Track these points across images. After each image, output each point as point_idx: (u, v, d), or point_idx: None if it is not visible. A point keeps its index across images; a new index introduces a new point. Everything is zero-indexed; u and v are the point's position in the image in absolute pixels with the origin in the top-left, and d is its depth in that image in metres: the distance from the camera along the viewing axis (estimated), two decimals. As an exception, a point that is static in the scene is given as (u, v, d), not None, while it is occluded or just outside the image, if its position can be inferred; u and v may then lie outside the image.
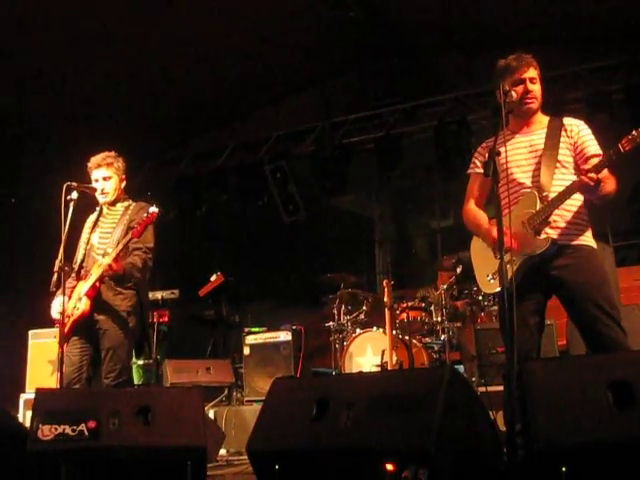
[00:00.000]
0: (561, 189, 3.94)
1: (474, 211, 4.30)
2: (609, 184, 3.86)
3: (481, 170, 3.80)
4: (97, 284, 4.92)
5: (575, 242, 3.97)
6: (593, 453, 2.90)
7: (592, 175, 3.71)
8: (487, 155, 3.73)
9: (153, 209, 4.93)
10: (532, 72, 4.09)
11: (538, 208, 3.93)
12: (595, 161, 3.90)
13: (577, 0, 7.93)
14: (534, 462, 3.00)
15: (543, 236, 3.92)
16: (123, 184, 5.33)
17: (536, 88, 4.09)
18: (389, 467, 3.09)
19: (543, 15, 8.19)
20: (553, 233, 3.94)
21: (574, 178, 4.00)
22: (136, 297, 5.10)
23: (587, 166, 3.77)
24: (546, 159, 4.03)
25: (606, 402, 2.95)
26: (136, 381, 7.45)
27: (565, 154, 4.05)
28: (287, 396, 3.64)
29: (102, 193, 5.21)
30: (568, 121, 4.13)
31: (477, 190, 4.29)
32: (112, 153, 5.32)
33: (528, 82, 4.06)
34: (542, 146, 4.07)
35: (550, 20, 8.24)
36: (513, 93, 3.98)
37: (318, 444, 3.32)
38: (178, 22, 8.05)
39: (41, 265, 5.53)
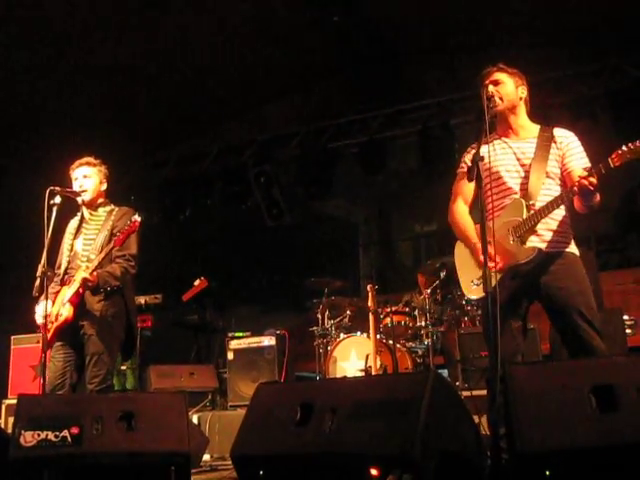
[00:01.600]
0: (548, 199, 3.97)
1: (462, 216, 4.27)
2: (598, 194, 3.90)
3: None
4: (80, 291, 4.90)
5: (558, 249, 4.00)
6: (577, 457, 2.91)
7: (593, 180, 3.69)
8: (471, 160, 3.76)
9: (136, 217, 4.90)
10: (496, 76, 4.17)
11: (525, 217, 3.95)
12: (582, 173, 3.95)
13: (560, 5, 7.98)
14: (518, 466, 3.00)
15: (529, 245, 3.94)
16: (103, 187, 5.29)
17: (499, 89, 4.12)
18: (373, 472, 3.10)
19: (526, 20, 8.24)
20: (538, 242, 3.96)
21: (559, 189, 4.05)
22: (122, 302, 5.07)
23: (583, 173, 3.76)
24: (535, 168, 4.05)
25: (589, 406, 2.97)
26: (117, 387, 7.42)
27: (553, 165, 4.08)
28: (271, 401, 3.64)
29: (82, 190, 5.17)
30: (558, 132, 4.16)
31: (464, 190, 4.30)
32: (93, 158, 5.32)
33: (490, 85, 4.12)
34: (532, 155, 4.10)
35: (533, 26, 8.29)
36: (496, 99, 4.04)
37: (302, 449, 3.31)
38: (163, 28, 8.06)
39: (23, 270, 5.50)
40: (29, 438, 3.73)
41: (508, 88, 4.14)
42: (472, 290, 4.15)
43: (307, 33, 8.89)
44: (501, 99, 4.11)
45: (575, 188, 3.76)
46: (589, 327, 3.84)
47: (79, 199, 5.20)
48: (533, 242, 3.96)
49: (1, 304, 8.59)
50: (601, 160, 3.75)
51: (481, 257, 3.57)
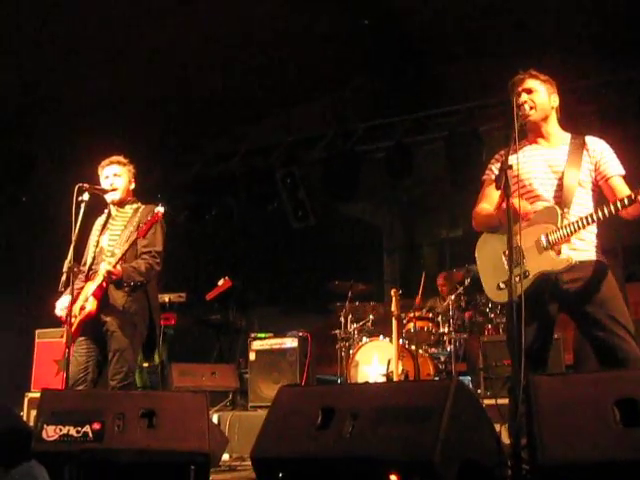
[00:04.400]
0: (580, 208, 3.95)
1: (485, 209, 4.23)
2: None
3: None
4: (104, 284, 4.93)
5: (588, 258, 3.96)
6: (598, 470, 2.88)
7: None
8: (499, 168, 3.73)
9: (158, 209, 4.96)
10: (529, 84, 4.11)
11: (560, 224, 3.91)
12: (619, 180, 3.94)
13: (591, 13, 7.92)
14: (539, 477, 2.98)
15: (563, 256, 3.90)
16: (132, 186, 5.35)
17: (533, 97, 4.07)
18: (393, 478, 3.08)
19: (557, 28, 8.19)
20: (571, 252, 3.91)
21: (591, 198, 4.02)
22: (145, 299, 5.10)
23: None
24: (568, 177, 4.01)
25: (612, 419, 2.93)
26: (139, 384, 7.45)
27: (585, 174, 4.04)
28: (292, 404, 3.63)
29: (112, 189, 5.22)
30: (590, 140, 4.11)
31: (490, 195, 4.26)
32: (123, 156, 5.37)
33: (523, 94, 4.07)
34: (563, 163, 4.05)
35: (564, 33, 8.23)
36: (526, 106, 4.01)
37: (322, 453, 3.30)
38: (193, 24, 8.10)
39: (50, 265, 5.55)
40: (51, 432, 3.76)
41: (541, 97, 4.09)
42: (497, 293, 4.09)
43: (337, 36, 8.88)
44: (534, 108, 4.06)
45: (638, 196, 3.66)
46: (624, 332, 3.79)
47: (108, 197, 5.25)
48: (565, 250, 3.92)
49: (27, 298, 8.68)
50: (631, 169, 3.72)
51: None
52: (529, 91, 4.09)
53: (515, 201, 3.76)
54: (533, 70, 4.17)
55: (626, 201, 3.71)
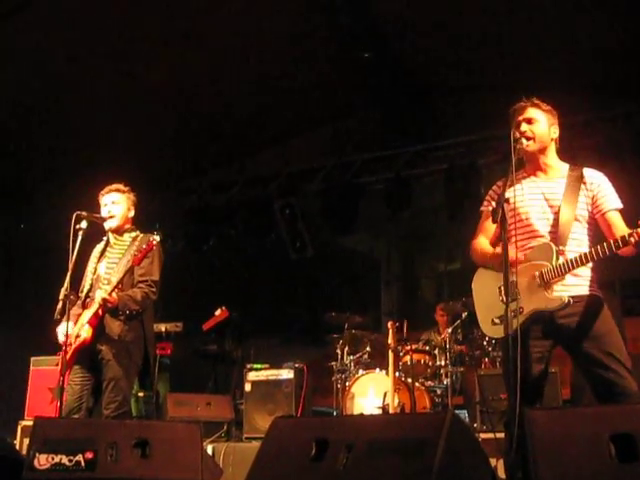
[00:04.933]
0: (576, 243, 3.93)
1: (483, 244, 4.22)
2: None
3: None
4: (100, 312, 4.92)
5: (581, 292, 3.93)
6: (593, 505, 2.86)
7: None
8: (496, 201, 3.73)
9: (154, 237, 4.96)
10: (530, 113, 4.08)
11: (554, 264, 3.87)
12: (616, 215, 3.92)
13: (589, 49, 7.99)
14: (534, 512, 2.96)
15: (556, 293, 3.87)
16: (131, 214, 5.36)
17: (533, 128, 4.05)
18: (386, 511, 3.06)
19: (555, 63, 8.25)
20: (566, 290, 3.88)
21: (586, 233, 3.99)
22: (140, 329, 5.09)
23: None
24: (565, 211, 3.98)
25: (608, 454, 2.91)
26: (134, 413, 7.41)
27: (582, 208, 4.01)
28: (286, 435, 3.61)
29: (109, 216, 5.23)
30: (588, 173, 4.08)
31: (487, 228, 4.25)
32: (123, 185, 5.38)
33: (523, 123, 4.05)
34: (561, 196, 4.02)
35: (562, 66, 8.30)
36: (523, 140, 4.01)
37: (316, 485, 3.28)
38: (191, 55, 8.16)
39: (46, 292, 5.54)
40: (43, 461, 3.72)
41: (541, 127, 4.06)
42: (491, 328, 4.08)
43: (337, 68, 8.96)
44: (533, 139, 4.04)
45: (632, 239, 3.62)
46: (621, 367, 3.74)
47: (105, 224, 5.25)
48: (559, 287, 3.88)
49: (23, 325, 8.65)
50: (629, 204, 3.71)
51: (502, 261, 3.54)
52: (529, 121, 4.06)
53: (511, 251, 3.74)
54: (536, 99, 4.14)
55: (620, 243, 3.68)
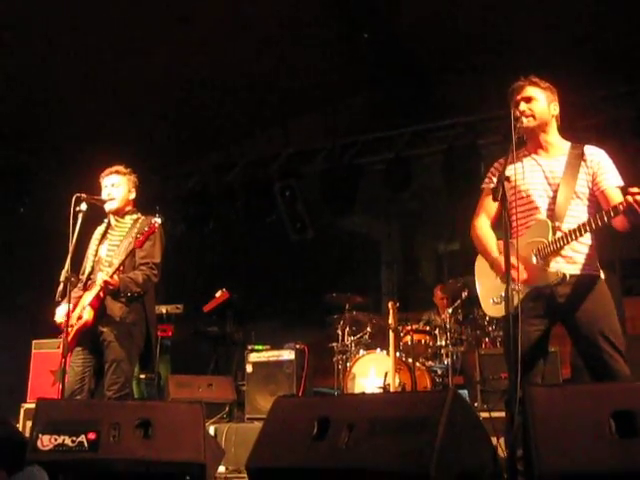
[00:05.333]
0: (574, 220, 3.92)
1: (484, 230, 4.22)
2: None
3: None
4: (101, 294, 4.93)
5: (583, 272, 3.93)
6: (594, 482, 2.88)
7: None
8: (497, 179, 3.72)
9: (156, 220, 4.96)
10: (528, 91, 4.07)
11: (550, 239, 3.89)
12: (616, 191, 3.91)
13: (589, 28, 7.95)
14: (534, 489, 2.97)
15: (553, 269, 3.89)
16: (132, 196, 5.35)
17: (532, 106, 4.04)
18: (388, 489, 3.08)
19: (555, 42, 8.21)
20: (563, 266, 3.90)
21: (586, 210, 3.98)
22: (142, 311, 5.10)
23: (634, 189, 3.59)
24: (563, 188, 3.98)
25: (608, 431, 2.93)
26: (136, 395, 7.44)
27: (582, 185, 4.00)
28: (288, 414, 3.63)
29: (109, 199, 5.22)
30: (589, 150, 4.08)
31: (488, 206, 4.25)
32: (124, 166, 5.36)
33: (522, 102, 4.04)
34: (561, 174, 4.02)
35: (561, 47, 8.26)
36: (523, 119, 3.99)
37: (318, 463, 3.29)
38: (191, 39, 8.12)
39: (47, 275, 5.54)
40: (46, 442, 3.75)
41: (540, 105, 4.06)
42: (491, 308, 4.11)
43: (336, 49, 8.92)
44: (532, 117, 4.03)
45: (621, 207, 3.63)
46: (613, 350, 3.77)
47: (106, 206, 5.25)
48: (558, 263, 3.90)
49: (24, 308, 8.66)
50: (629, 183, 3.70)
51: (503, 273, 3.54)
52: (528, 99, 4.05)
53: (514, 274, 3.71)
54: (534, 77, 4.13)
55: (612, 212, 3.68)
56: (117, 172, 5.29)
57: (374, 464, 3.15)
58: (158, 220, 4.98)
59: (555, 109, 4.13)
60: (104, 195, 5.24)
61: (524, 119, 4.00)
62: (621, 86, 8.32)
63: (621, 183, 3.97)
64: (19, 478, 3.33)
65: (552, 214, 3.97)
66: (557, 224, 3.92)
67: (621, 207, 3.63)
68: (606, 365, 3.76)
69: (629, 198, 3.57)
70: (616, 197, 3.91)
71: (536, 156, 4.16)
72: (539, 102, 4.07)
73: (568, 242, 3.86)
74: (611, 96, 8.38)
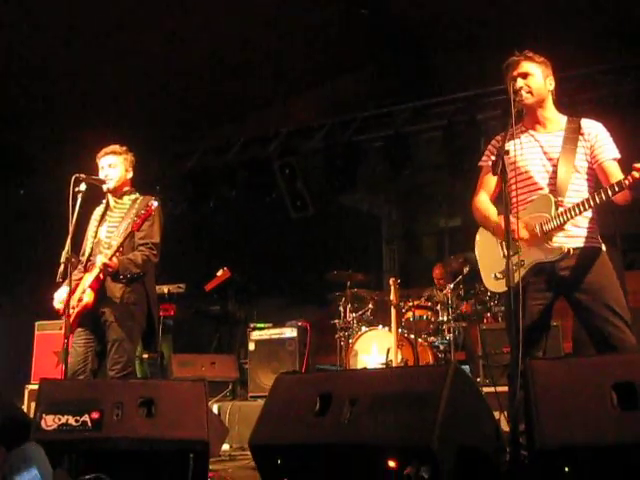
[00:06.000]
0: (576, 194, 3.91)
1: (484, 203, 4.21)
2: None
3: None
4: (101, 276, 4.93)
5: (585, 245, 3.94)
6: (596, 454, 2.88)
7: None
8: (496, 154, 3.71)
9: (153, 202, 4.94)
10: (524, 67, 4.04)
11: (553, 213, 3.89)
12: (613, 164, 3.90)
13: (588, 0, 7.91)
14: (537, 462, 2.98)
15: (556, 244, 3.89)
16: (129, 175, 5.31)
17: (529, 82, 4.01)
18: (391, 463, 3.09)
19: (554, 16, 8.16)
20: (565, 238, 3.90)
21: (587, 184, 3.98)
22: (143, 291, 5.10)
23: (638, 164, 3.58)
24: (563, 163, 3.97)
25: (610, 403, 2.93)
26: (139, 375, 7.46)
27: (581, 159, 4.00)
28: (290, 391, 3.64)
29: (106, 179, 5.20)
30: (585, 124, 4.06)
31: (488, 182, 4.24)
32: (119, 145, 5.33)
33: (519, 79, 4.00)
34: (559, 149, 4.01)
35: (561, 20, 8.21)
36: (524, 93, 3.97)
37: (320, 439, 3.31)
38: (190, 16, 8.08)
39: (48, 256, 5.54)
40: (50, 422, 3.76)
41: (537, 81, 4.02)
42: (494, 283, 4.10)
43: (334, 25, 8.87)
44: (530, 93, 4.00)
45: (627, 182, 3.61)
46: (619, 320, 3.76)
47: (104, 187, 5.23)
48: (559, 238, 3.90)
49: (25, 290, 8.68)
50: (628, 157, 3.69)
51: (504, 245, 3.54)
52: (524, 75, 4.02)
53: (515, 227, 3.73)
54: (528, 52, 4.10)
55: (616, 187, 3.67)
56: (113, 152, 5.25)
57: (376, 439, 3.17)
58: (155, 202, 4.95)
59: (551, 84, 4.10)
60: (101, 176, 5.22)
61: (523, 93, 3.98)
62: (620, 60, 8.26)
63: (618, 155, 3.97)
64: (17, 453, 3.35)
65: (554, 189, 3.96)
66: (560, 199, 3.92)
67: (627, 182, 3.62)
68: (612, 336, 3.75)
69: (635, 174, 3.57)
70: (614, 170, 3.91)
71: (533, 132, 4.14)
72: (535, 77, 4.04)
73: (572, 217, 3.85)
74: (611, 70, 8.33)
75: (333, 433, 3.28)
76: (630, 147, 4.20)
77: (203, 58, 8.93)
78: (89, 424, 3.75)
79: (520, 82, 4.00)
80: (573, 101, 7.93)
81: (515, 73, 4.04)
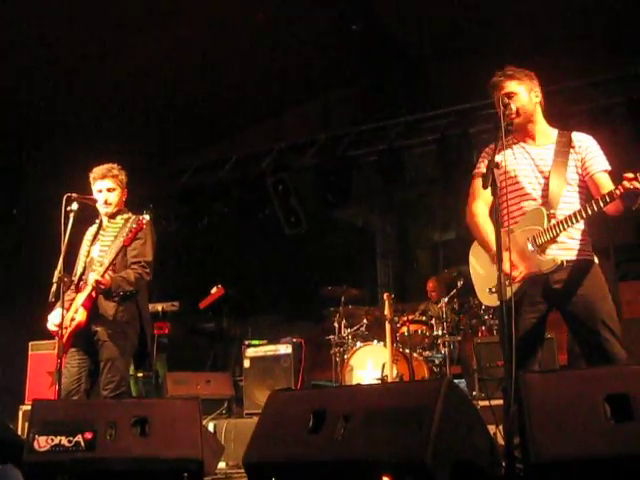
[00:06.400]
0: (568, 207, 3.93)
1: (481, 218, 4.17)
2: None
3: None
4: (93, 294, 4.91)
5: (578, 257, 3.95)
6: (591, 466, 2.87)
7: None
8: (486, 166, 3.72)
9: (144, 216, 4.94)
10: (510, 86, 4.04)
11: (546, 226, 3.90)
12: (604, 176, 3.92)
13: (579, 13, 7.94)
14: (532, 475, 2.97)
15: (549, 256, 3.90)
16: (124, 197, 5.33)
17: (515, 102, 4.00)
18: (385, 479, 3.07)
19: (545, 28, 8.21)
20: (558, 250, 3.91)
21: (578, 196, 4.00)
22: (135, 309, 5.08)
23: (629, 175, 3.59)
24: (555, 176, 3.99)
25: (603, 415, 2.93)
26: (134, 394, 7.44)
27: (572, 172, 4.02)
28: (284, 408, 3.63)
29: (106, 204, 5.19)
30: (576, 137, 4.08)
31: (483, 193, 4.22)
32: (116, 165, 5.31)
33: (505, 98, 3.99)
34: (551, 162, 4.03)
35: (552, 33, 8.26)
36: (512, 106, 3.98)
37: (314, 456, 3.30)
38: (181, 34, 8.10)
39: (41, 276, 5.52)
40: (43, 443, 3.74)
41: (523, 99, 4.03)
42: (488, 297, 4.10)
43: (325, 41, 8.90)
44: (517, 113, 4.01)
45: (618, 192, 3.62)
46: (610, 334, 3.78)
47: (101, 209, 5.22)
48: (553, 250, 3.91)
49: (19, 310, 8.65)
50: (621, 169, 3.70)
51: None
52: (509, 96, 4.02)
53: (507, 269, 3.68)
54: (509, 69, 4.10)
55: (607, 198, 3.69)
56: (113, 176, 5.23)
57: (370, 455, 3.15)
58: (146, 217, 4.96)
59: (537, 96, 4.11)
60: (100, 200, 5.19)
61: (513, 108, 3.98)
62: (612, 72, 8.30)
63: (609, 167, 3.99)
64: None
65: (546, 201, 3.97)
66: (552, 211, 3.93)
67: (618, 192, 3.64)
68: (603, 349, 3.78)
69: (626, 184, 3.58)
70: (605, 182, 3.93)
71: (525, 144, 4.16)
72: (520, 95, 4.05)
73: (564, 229, 3.87)
74: (602, 82, 8.36)
75: (327, 450, 3.26)
76: (621, 159, 4.21)
77: (194, 75, 8.95)
78: (82, 445, 3.74)
79: (505, 102, 4.00)
80: (564, 113, 7.94)
81: (500, 94, 4.02)
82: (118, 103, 8.91)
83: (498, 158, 3.69)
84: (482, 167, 4.17)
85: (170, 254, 6.54)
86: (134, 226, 4.90)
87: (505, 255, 3.56)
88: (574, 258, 3.94)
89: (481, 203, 4.21)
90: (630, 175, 3.58)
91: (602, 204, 3.72)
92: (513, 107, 3.99)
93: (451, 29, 8.80)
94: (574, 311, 3.88)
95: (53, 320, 4.94)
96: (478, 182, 4.22)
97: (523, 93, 4.06)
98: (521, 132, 4.15)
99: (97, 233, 5.27)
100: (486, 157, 4.20)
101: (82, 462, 3.71)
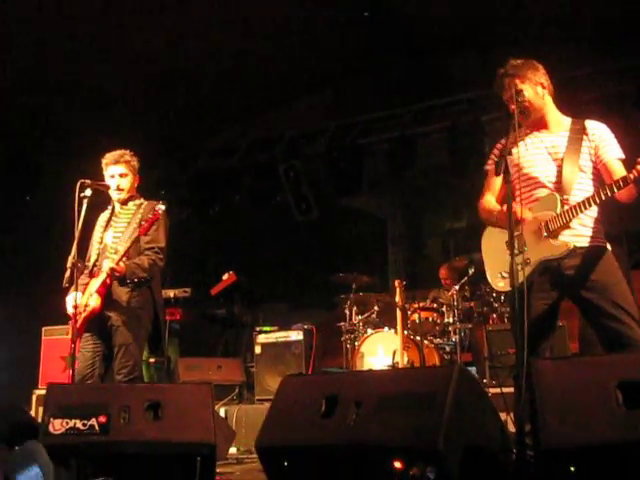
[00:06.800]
0: (581, 193, 3.93)
1: (489, 202, 4.23)
2: None
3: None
4: (107, 281, 4.95)
5: (590, 244, 3.95)
6: (602, 453, 2.88)
7: None
8: (499, 155, 3.73)
9: (160, 206, 4.97)
10: (512, 87, 4.02)
11: (559, 211, 3.90)
12: (617, 163, 3.92)
13: (590, 1, 7.90)
14: (543, 462, 2.99)
15: (561, 241, 3.90)
16: (136, 182, 5.35)
17: (525, 95, 4.00)
18: (397, 464, 3.09)
19: (557, 16, 8.17)
20: (570, 236, 3.91)
21: (592, 183, 4.00)
22: (149, 295, 5.12)
23: None
24: (568, 163, 3.99)
25: (615, 402, 2.94)
26: (146, 379, 7.48)
27: (585, 159, 4.01)
28: (296, 393, 3.65)
29: (118, 189, 5.22)
30: (590, 124, 4.08)
31: (493, 185, 4.24)
32: (128, 151, 5.34)
33: (516, 95, 3.98)
34: (564, 149, 4.03)
35: (564, 21, 8.21)
36: (525, 93, 3.98)
37: (326, 441, 3.31)
38: (194, 20, 8.10)
39: (55, 262, 5.56)
40: (58, 426, 3.78)
41: (529, 94, 4.02)
42: (499, 282, 4.11)
43: (338, 28, 8.88)
44: (527, 109, 4.01)
45: (632, 176, 3.63)
46: (628, 317, 3.76)
47: (113, 195, 5.25)
48: (565, 236, 3.92)
49: (33, 296, 8.70)
50: (633, 157, 3.70)
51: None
52: (517, 93, 3.99)
53: (517, 208, 3.78)
54: (510, 66, 4.08)
55: (621, 183, 3.69)
56: (125, 162, 5.25)
57: (382, 440, 3.17)
58: (162, 207, 4.99)
59: (544, 87, 4.09)
60: (113, 185, 5.22)
61: (526, 95, 3.99)
62: (624, 60, 8.26)
63: (622, 156, 3.98)
64: (19, 452, 3.38)
65: (559, 187, 3.98)
66: (565, 197, 3.93)
67: (632, 176, 3.64)
68: (620, 334, 3.75)
69: None
70: (618, 169, 3.93)
71: (538, 133, 4.16)
72: (526, 91, 4.03)
73: (576, 214, 3.87)
74: (614, 70, 8.32)
75: (339, 435, 3.28)
76: (633, 147, 4.20)
77: (206, 62, 8.95)
78: (96, 428, 3.77)
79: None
80: (576, 101, 7.91)
81: (508, 95, 4.04)
82: (131, 88, 8.92)
83: (512, 146, 3.70)
84: (492, 163, 4.21)
85: (182, 240, 6.56)
86: (150, 216, 4.93)
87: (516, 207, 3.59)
88: (586, 245, 3.93)
89: (489, 196, 4.26)
90: None
91: (616, 189, 3.72)
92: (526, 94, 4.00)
93: (464, 17, 8.76)
94: (588, 296, 3.86)
95: (71, 302, 4.97)
96: (488, 178, 4.28)
97: (528, 89, 4.04)
98: (534, 121, 4.15)
99: (110, 219, 5.30)
100: (497, 151, 4.19)
101: (96, 445, 3.75)
